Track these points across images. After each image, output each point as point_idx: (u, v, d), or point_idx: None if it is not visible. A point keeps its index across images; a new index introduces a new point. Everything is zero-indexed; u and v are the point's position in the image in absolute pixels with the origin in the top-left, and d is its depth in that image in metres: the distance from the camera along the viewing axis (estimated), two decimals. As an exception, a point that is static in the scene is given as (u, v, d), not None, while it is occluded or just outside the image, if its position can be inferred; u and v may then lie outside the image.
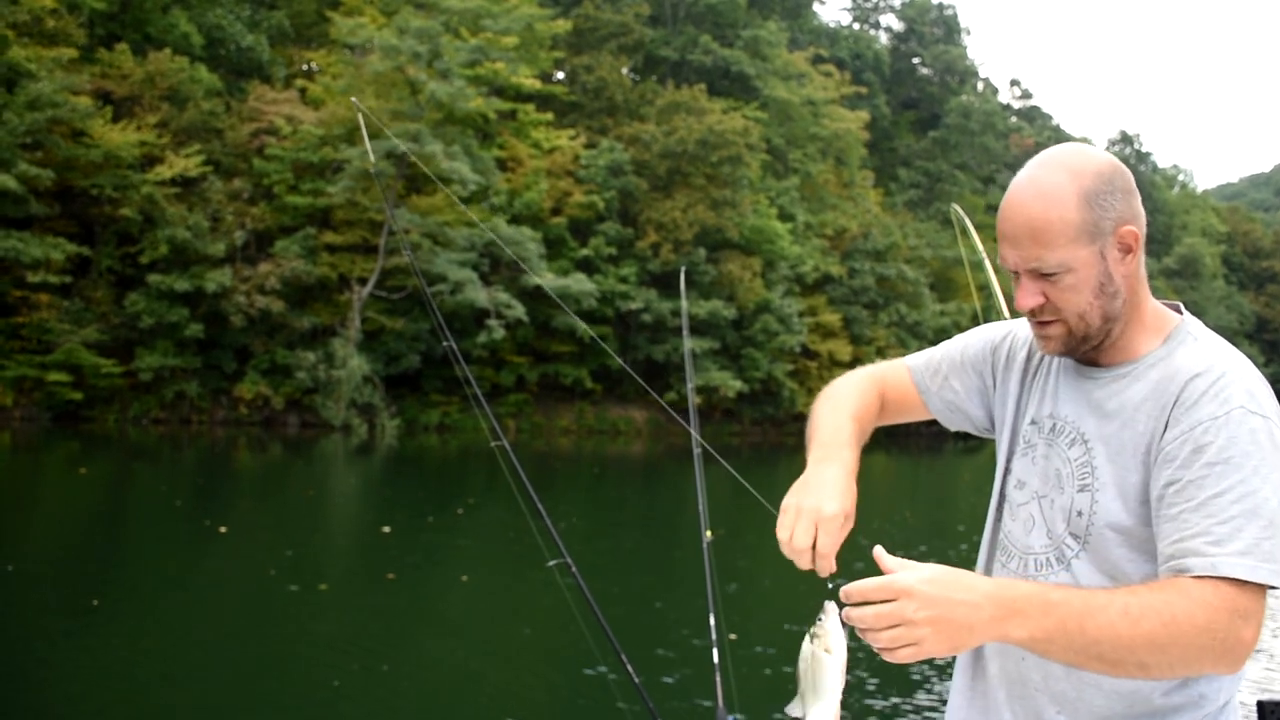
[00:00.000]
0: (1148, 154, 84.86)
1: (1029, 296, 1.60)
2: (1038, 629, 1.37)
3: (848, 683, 1.47)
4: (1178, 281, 71.98)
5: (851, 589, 1.37)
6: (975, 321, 3.01)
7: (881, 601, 1.35)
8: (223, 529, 13.50)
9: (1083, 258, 1.56)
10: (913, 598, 1.33)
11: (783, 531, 1.58)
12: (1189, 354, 1.59)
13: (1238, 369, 1.55)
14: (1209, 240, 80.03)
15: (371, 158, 3.92)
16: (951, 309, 50.88)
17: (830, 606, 1.47)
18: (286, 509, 16.87)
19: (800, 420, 43.51)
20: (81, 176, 32.08)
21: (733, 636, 8.31)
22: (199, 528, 13.66)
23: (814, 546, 1.56)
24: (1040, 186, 1.57)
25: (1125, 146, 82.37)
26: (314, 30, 43.33)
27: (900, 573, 1.36)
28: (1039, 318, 1.62)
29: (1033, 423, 1.74)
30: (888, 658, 1.36)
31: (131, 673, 6.99)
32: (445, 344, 3.50)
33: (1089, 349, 1.64)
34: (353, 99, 4.90)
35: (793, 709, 1.48)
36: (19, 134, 30.00)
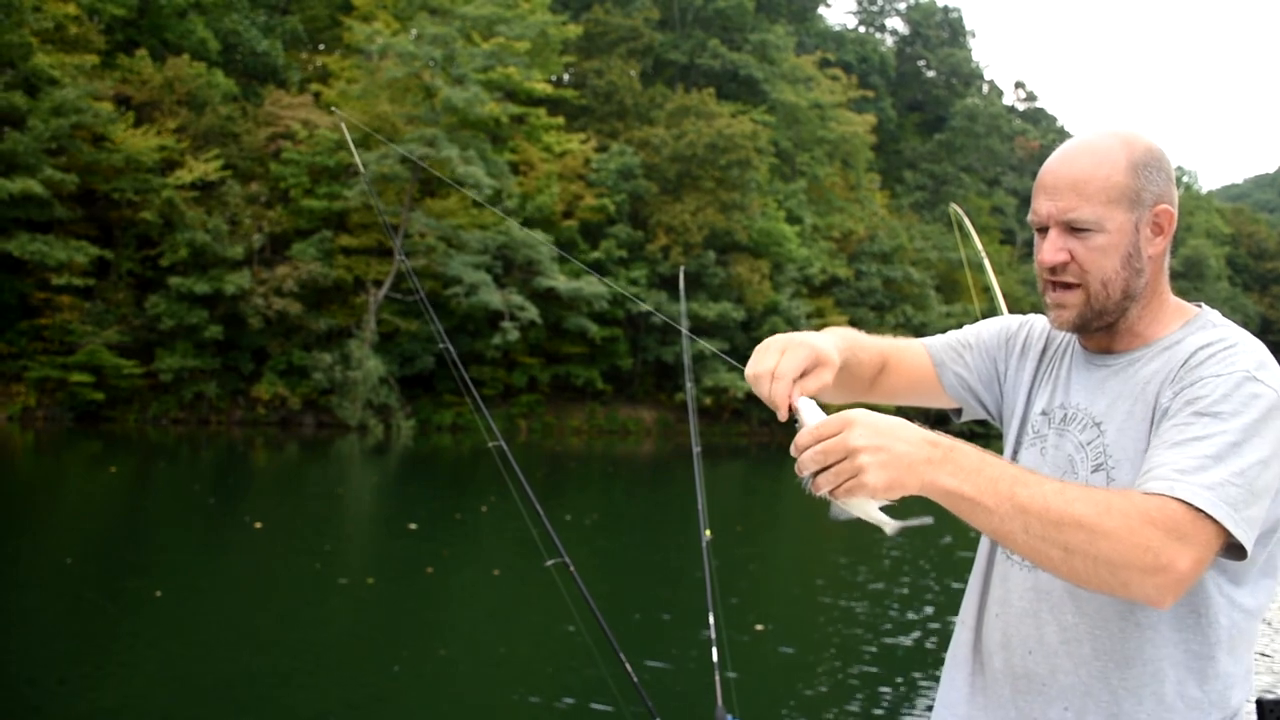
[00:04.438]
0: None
1: (1055, 251, 1.56)
2: (967, 482, 1.33)
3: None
4: (1182, 283, 72.18)
5: (802, 434, 1.35)
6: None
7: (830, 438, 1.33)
8: (258, 525, 13.97)
9: (1118, 221, 1.54)
10: (855, 425, 1.31)
11: (750, 364, 1.57)
12: (1205, 334, 1.57)
13: (1251, 344, 1.52)
14: (1213, 242, 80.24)
15: (361, 168, 3.92)
16: (957, 310, 51.32)
17: (803, 402, 1.44)
18: (315, 506, 17.36)
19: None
20: (103, 181, 32.66)
21: (759, 627, 8.77)
22: (237, 523, 14.16)
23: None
24: (1091, 145, 1.57)
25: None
26: (327, 34, 43.88)
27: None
28: (1060, 277, 1.58)
29: (1043, 413, 1.71)
30: (836, 495, 1.33)
31: (202, 660, 7.46)
32: (442, 346, 3.44)
33: (1101, 326, 1.61)
34: (333, 108, 5.04)
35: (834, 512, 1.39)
36: (44, 139, 30.58)
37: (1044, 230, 1.58)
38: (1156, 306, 1.62)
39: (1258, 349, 1.51)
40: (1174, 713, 1.50)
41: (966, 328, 1.90)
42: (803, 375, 1.56)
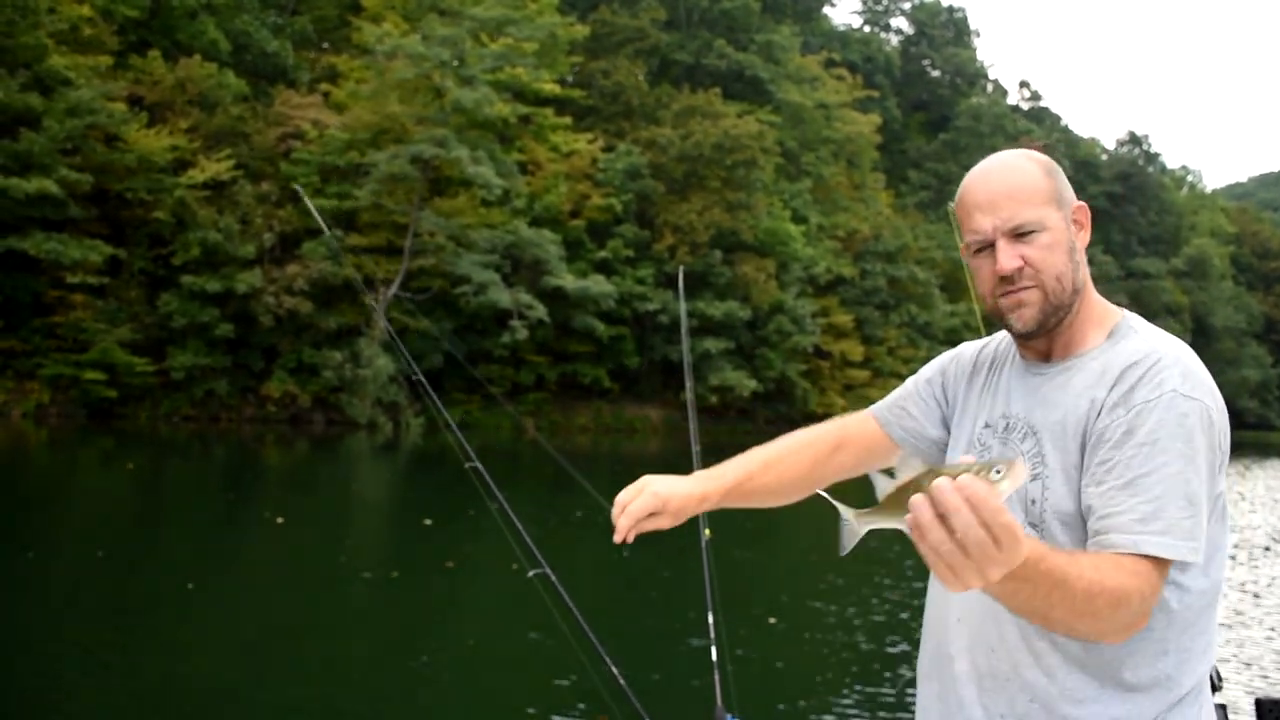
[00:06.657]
0: (1156, 154, 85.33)
1: (1010, 259, 1.62)
2: (1025, 585, 1.33)
3: None
4: (1186, 282, 72.28)
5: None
6: (983, 322, 3.26)
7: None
8: (280, 520, 14.27)
9: (1055, 219, 1.64)
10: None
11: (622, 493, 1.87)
12: (1130, 345, 1.63)
13: (1174, 354, 1.58)
14: (1217, 241, 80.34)
15: (325, 230, 3.82)
16: (961, 310, 51.61)
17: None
18: (331, 502, 17.67)
19: (813, 419, 44.28)
20: (116, 180, 32.98)
21: (773, 620, 9.05)
22: (258, 518, 14.47)
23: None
24: (1004, 162, 1.69)
25: (1134, 147, 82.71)
26: (336, 34, 44.17)
27: None
28: (1019, 282, 1.63)
29: (987, 426, 1.75)
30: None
31: (239, 650, 7.76)
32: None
33: (1057, 323, 1.66)
34: (295, 185, 4.95)
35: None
36: (59, 140, 30.91)
37: (983, 250, 1.66)
38: (1085, 310, 1.68)
39: (1181, 358, 1.57)
40: (1136, 692, 1.56)
41: (908, 380, 1.98)
42: (651, 516, 1.88)
